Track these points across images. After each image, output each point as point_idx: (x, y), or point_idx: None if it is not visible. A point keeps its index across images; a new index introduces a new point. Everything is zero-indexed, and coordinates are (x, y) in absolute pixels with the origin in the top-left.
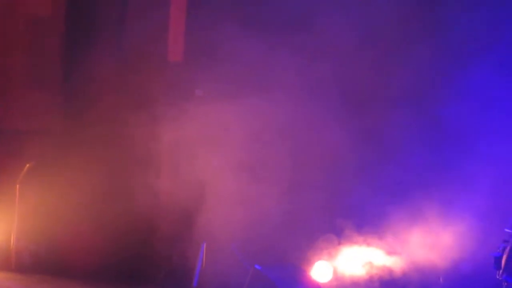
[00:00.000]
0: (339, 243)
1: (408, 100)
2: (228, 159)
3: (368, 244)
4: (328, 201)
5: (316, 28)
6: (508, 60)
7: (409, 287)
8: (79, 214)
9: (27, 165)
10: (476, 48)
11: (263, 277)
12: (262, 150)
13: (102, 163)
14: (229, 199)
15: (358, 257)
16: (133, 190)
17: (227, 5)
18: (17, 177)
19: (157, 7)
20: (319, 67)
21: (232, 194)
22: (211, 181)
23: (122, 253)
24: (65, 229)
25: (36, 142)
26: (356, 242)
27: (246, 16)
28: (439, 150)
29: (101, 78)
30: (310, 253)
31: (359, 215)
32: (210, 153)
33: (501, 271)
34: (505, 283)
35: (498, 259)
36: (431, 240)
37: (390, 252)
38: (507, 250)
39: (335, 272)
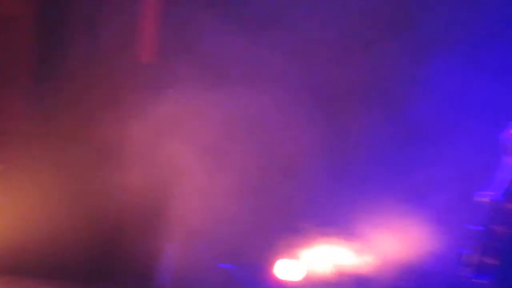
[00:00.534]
0: (304, 241)
1: (378, 99)
2: (195, 156)
3: (335, 242)
4: (294, 199)
5: (289, 25)
6: (480, 59)
7: (375, 284)
8: (47, 214)
9: None
10: (447, 46)
11: (227, 275)
12: (229, 147)
13: (71, 163)
14: (194, 197)
15: (324, 254)
16: (101, 188)
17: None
18: None
19: (130, 3)
20: (291, 64)
21: (198, 191)
22: (178, 179)
23: (89, 252)
24: (34, 230)
25: (4, 143)
26: (322, 240)
27: (219, 13)
28: (407, 148)
29: (72, 78)
30: (275, 251)
31: (326, 213)
32: (178, 151)
33: (468, 267)
34: (472, 280)
35: (463, 256)
36: (398, 237)
37: (356, 250)
38: (474, 246)
39: (300, 270)
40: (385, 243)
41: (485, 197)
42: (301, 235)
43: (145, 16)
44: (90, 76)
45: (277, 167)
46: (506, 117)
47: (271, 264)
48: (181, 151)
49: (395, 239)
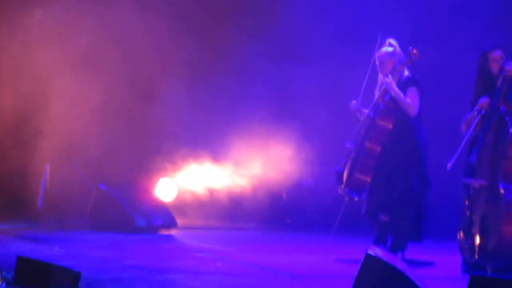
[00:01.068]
0: (183, 162)
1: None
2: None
3: (206, 163)
4: (170, 121)
5: None
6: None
7: (253, 203)
8: None
9: None
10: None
11: (107, 196)
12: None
13: None
14: (71, 116)
15: (202, 175)
16: None
17: None
18: None
19: None
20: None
21: (74, 109)
22: (55, 100)
23: None
24: None
25: None
26: (199, 161)
27: None
28: (279, 65)
29: None
30: (154, 171)
31: (196, 136)
32: (48, 70)
33: (342, 185)
34: (347, 197)
35: (339, 174)
36: (274, 157)
37: (233, 170)
38: (348, 165)
39: (178, 190)
40: (258, 163)
41: (359, 115)
42: (174, 157)
43: None
44: None
45: (145, 89)
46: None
47: (146, 183)
48: (50, 70)
49: (268, 159)
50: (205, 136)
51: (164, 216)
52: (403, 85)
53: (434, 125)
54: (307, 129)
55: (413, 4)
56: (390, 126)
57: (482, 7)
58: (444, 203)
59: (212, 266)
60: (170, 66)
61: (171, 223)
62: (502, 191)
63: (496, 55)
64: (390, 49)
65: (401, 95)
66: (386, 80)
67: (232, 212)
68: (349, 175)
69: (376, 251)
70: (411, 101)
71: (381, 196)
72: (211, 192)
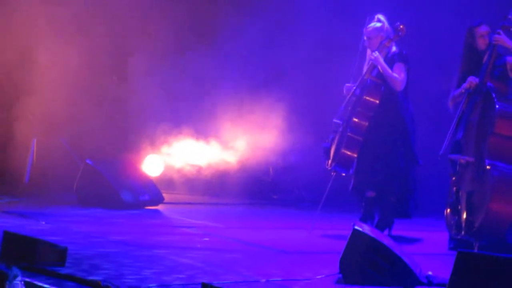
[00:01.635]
0: (170, 137)
1: None
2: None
3: (198, 138)
4: (155, 96)
5: None
6: None
7: (239, 178)
8: None
9: None
10: None
11: (94, 171)
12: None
13: None
14: (56, 89)
15: (188, 150)
16: None
17: None
18: None
19: None
20: None
21: (60, 82)
22: (40, 73)
23: None
24: None
25: None
26: (185, 136)
27: None
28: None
29: None
30: (141, 147)
31: (190, 111)
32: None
33: (330, 161)
34: (334, 173)
35: (327, 150)
36: (261, 132)
37: (220, 145)
38: (335, 140)
39: (165, 165)
40: (245, 138)
41: (346, 90)
42: (160, 132)
43: None
44: None
45: (131, 63)
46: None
47: (133, 159)
48: (34, 42)
49: (255, 134)
50: (191, 111)
51: (151, 192)
52: (390, 60)
53: (421, 100)
54: (295, 103)
55: None
56: (377, 101)
57: None
58: (431, 179)
59: (199, 241)
60: (156, 40)
61: (158, 199)
62: (488, 167)
63: (483, 30)
64: (378, 24)
65: (388, 69)
66: (373, 55)
67: (219, 187)
68: (336, 150)
69: (363, 227)
70: (398, 75)
71: (368, 172)
72: (198, 167)
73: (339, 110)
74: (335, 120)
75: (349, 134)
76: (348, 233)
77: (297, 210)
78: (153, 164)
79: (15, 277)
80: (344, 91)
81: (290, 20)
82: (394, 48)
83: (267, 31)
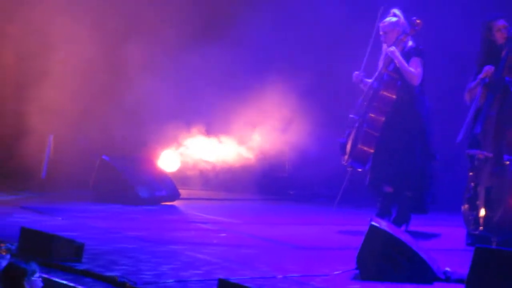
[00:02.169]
0: (186, 133)
1: None
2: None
3: (215, 133)
4: (175, 92)
5: None
6: None
7: (256, 174)
8: None
9: None
10: None
11: (110, 167)
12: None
13: None
14: (73, 85)
15: (205, 146)
16: None
17: None
18: None
19: None
20: None
21: (77, 78)
22: (57, 70)
23: None
24: None
25: None
26: (204, 132)
27: None
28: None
29: None
30: (157, 143)
31: (206, 106)
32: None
33: (346, 156)
34: (350, 168)
35: (343, 145)
36: (277, 127)
37: (236, 141)
38: (351, 135)
39: (182, 161)
40: (261, 133)
41: (362, 85)
42: (176, 128)
43: None
44: None
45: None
46: None
47: (149, 154)
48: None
49: (272, 129)
50: (207, 106)
51: (167, 187)
52: (407, 55)
53: (437, 95)
54: (311, 98)
55: None
56: (394, 96)
57: None
58: (448, 174)
59: (215, 237)
60: (171, 35)
61: (175, 194)
62: (507, 162)
63: (500, 24)
64: (394, 19)
65: (405, 64)
66: (390, 49)
67: (235, 183)
68: (353, 146)
69: (380, 223)
70: (414, 70)
71: (385, 167)
72: (214, 163)
73: (355, 105)
74: (351, 116)
75: (365, 129)
76: (365, 228)
77: (313, 206)
78: (169, 159)
79: (33, 273)
80: (354, 79)
81: (305, 14)
82: (410, 43)
83: (282, 25)
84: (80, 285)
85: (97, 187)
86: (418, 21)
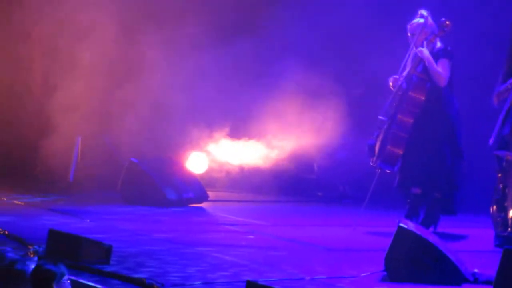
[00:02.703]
0: (214, 134)
1: None
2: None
3: (243, 135)
4: (203, 93)
5: None
6: None
7: (284, 176)
8: None
9: None
10: None
11: (139, 169)
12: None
13: None
14: (100, 88)
15: (233, 147)
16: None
17: None
18: None
19: None
20: None
21: (103, 81)
22: (85, 74)
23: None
24: None
25: None
26: (232, 134)
27: None
28: None
29: None
30: (185, 144)
31: (235, 108)
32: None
33: (374, 158)
34: (379, 170)
35: (371, 146)
36: (306, 129)
37: (265, 142)
38: (380, 137)
39: (204, 162)
40: (290, 135)
41: (392, 82)
42: (204, 129)
43: None
44: None
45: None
46: None
47: (177, 156)
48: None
49: (300, 131)
50: (235, 108)
51: (195, 189)
52: (435, 56)
53: (466, 95)
54: (340, 100)
55: None
56: (423, 98)
57: None
58: (477, 175)
59: (243, 239)
60: (197, 36)
61: (202, 196)
62: None
63: None
64: (421, 20)
65: (434, 64)
66: (420, 50)
67: (263, 185)
68: (382, 147)
69: (408, 224)
70: (441, 71)
71: (414, 169)
72: (242, 165)
73: (384, 107)
74: (380, 117)
75: (394, 130)
76: (393, 230)
77: (341, 207)
78: (197, 161)
79: (62, 275)
80: (390, 84)
81: (335, 15)
82: (438, 44)
83: (310, 24)
84: (108, 287)
85: (125, 189)
86: (447, 22)
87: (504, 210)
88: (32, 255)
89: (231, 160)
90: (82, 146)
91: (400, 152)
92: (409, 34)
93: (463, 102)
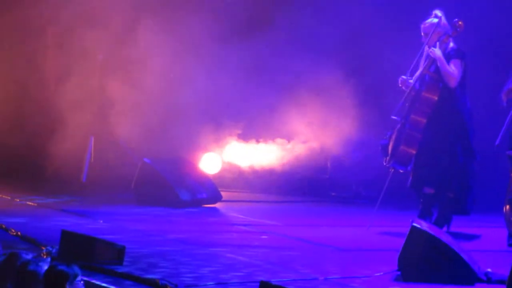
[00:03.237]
0: (228, 135)
1: None
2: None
3: (256, 135)
4: (214, 94)
5: None
6: None
7: (297, 176)
8: None
9: None
10: None
11: (152, 170)
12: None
13: None
14: (114, 89)
15: (246, 148)
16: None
17: None
18: None
19: None
20: None
21: (118, 82)
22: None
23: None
24: None
25: None
26: (245, 134)
27: None
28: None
29: None
30: (199, 145)
31: (248, 108)
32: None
33: (388, 158)
34: (392, 169)
35: (384, 146)
36: (319, 129)
37: (278, 143)
38: (393, 137)
39: (223, 163)
40: (303, 135)
41: (401, 82)
42: (218, 130)
43: None
44: None
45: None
46: None
47: (191, 157)
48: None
49: (313, 131)
50: (249, 108)
51: (208, 190)
52: (447, 57)
53: (478, 95)
54: (354, 101)
55: None
56: (436, 98)
57: None
58: (490, 175)
59: (256, 239)
60: (214, 35)
61: (216, 197)
62: None
63: None
64: (435, 20)
65: (446, 64)
66: (432, 50)
67: (276, 185)
68: (395, 147)
69: (422, 224)
70: (453, 71)
71: (427, 169)
72: (256, 165)
73: (397, 107)
74: (393, 117)
75: (407, 130)
76: (406, 230)
77: (354, 207)
78: (210, 162)
79: (75, 276)
80: (400, 83)
81: (353, 11)
82: (451, 44)
83: (328, 22)
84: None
85: (138, 189)
86: (460, 22)
87: None
88: (45, 256)
89: (244, 160)
90: (95, 145)
91: (413, 152)
92: (422, 34)
93: (476, 101)
